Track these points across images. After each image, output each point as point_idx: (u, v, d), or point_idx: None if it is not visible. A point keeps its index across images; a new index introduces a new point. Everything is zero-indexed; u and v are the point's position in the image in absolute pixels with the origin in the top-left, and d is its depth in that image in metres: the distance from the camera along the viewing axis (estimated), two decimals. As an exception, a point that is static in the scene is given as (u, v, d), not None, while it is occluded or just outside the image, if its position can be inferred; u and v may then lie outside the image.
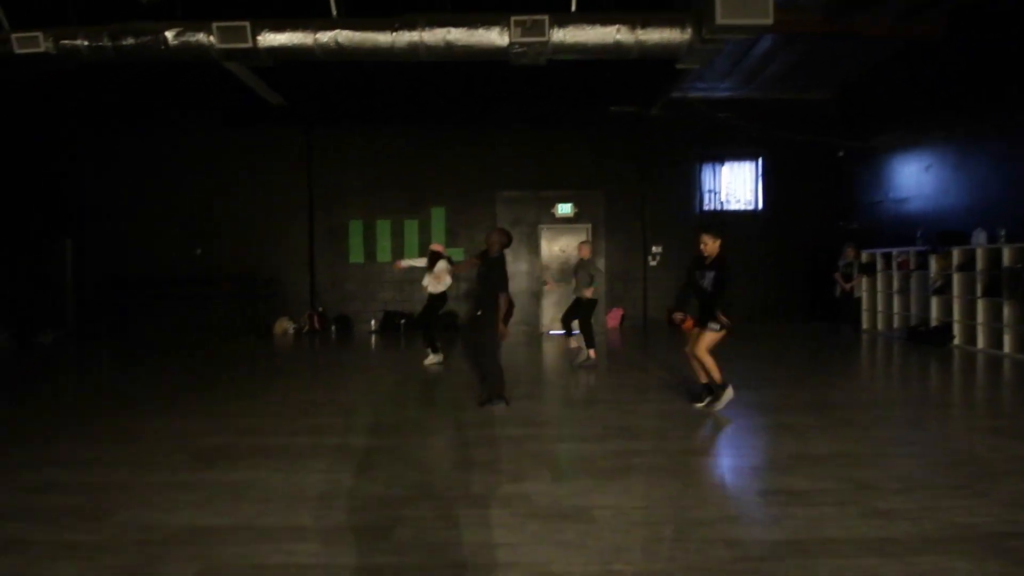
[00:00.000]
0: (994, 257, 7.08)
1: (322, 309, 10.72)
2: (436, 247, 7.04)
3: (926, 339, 7.85)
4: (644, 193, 10.79)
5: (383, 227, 10.88)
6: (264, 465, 3.20)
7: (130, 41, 5.72)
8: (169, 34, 5.68)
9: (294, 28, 5.76)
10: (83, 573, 2.06)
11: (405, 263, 7.36)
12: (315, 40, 5.79)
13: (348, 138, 10.85)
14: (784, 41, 8.74)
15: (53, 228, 10.25)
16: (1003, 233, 6.94)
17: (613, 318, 10.59)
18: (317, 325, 10.42)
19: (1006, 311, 6.88)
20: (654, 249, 10.89)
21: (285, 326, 10.40)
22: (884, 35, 7.88)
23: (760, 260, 10.70)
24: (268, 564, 2.12)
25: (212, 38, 5.68)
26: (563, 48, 5.72)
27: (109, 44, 5.72)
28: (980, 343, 7.27)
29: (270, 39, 5.82)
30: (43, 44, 5.68)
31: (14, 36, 5.67)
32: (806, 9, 7.60)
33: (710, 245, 4.37)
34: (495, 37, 5.64)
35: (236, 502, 2.67)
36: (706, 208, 10.95)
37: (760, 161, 10.88)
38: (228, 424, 4.10)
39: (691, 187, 10.91)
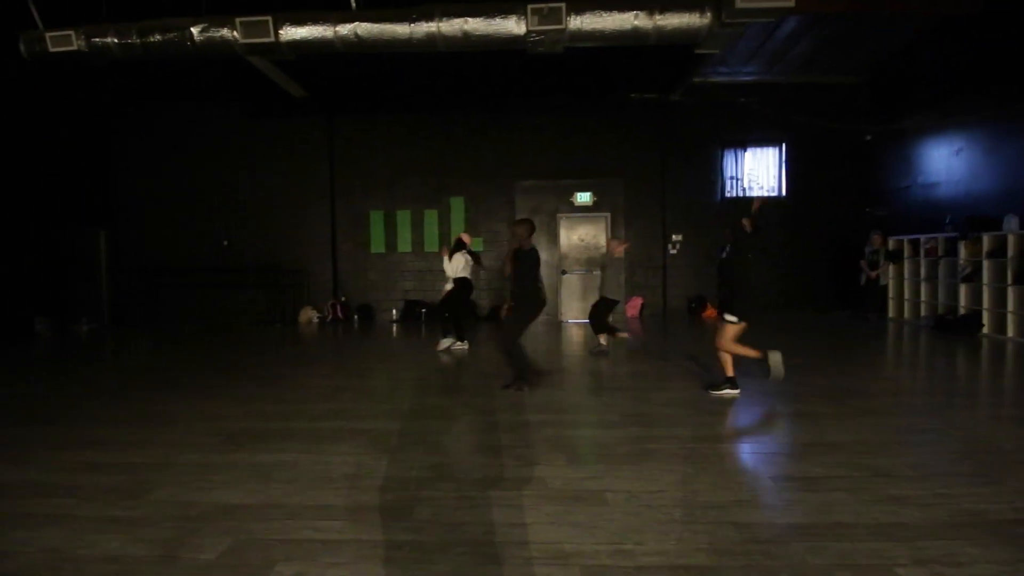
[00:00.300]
0: (1027, 244, 6.87)
1: (345, 298, 10.95)
2: (464, 237, 7.20)
3: (954, 328, 7.67)
4: (665, 180, 10.69)
5: (403, 217, 11.01)
6: (291, 448, 3.35)
7: (157, 38, 5.89)
8: (195, 30, 5.83)
9: (314, 21, 5.84)
10: (124, 546, 2.22)
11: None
12: (335, 33, 5.87)
13: (368, 128, 10.98)
14: (810, 22, 8.51)
15: (88, 221, 10.63)
16: (1036, 219, 6.72)
17: (633, 307, 10.57)
18: (340, 314, 10.64)
19: (1039, 299, 6.69)
20: (674, 237, 10.81)
21: (309, 315, 10.65)
22: (919, 10, 7.59)
23: (783, 247, 10.54)
24: (296, 539, 2.24)
25: (236, 33, 5.81)
26: (580, 35, 5.69)
27: (138, 41, 5.90)
28: (1010, 331, 7.08)
29: (291, 33, 5.92)
30: (75, 42, 5.89)
31: (48, 35, 5.89)
32: (830, -11, 7.39)
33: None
34: (512, 26, 5.65)
35: (265, 482, 2.82)
36: (728, 195, 10.80)
37: (783, 147, 10.66)
38: (257, 409, 4.28)
39: (713, 173, 10.76)
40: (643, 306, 10.65)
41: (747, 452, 3.18)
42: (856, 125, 9.90)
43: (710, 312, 10.25)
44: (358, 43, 5.93)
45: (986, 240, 7.43)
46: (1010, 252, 7.05)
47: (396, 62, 9.05)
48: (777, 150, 10.69)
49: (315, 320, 10.58)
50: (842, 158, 10.40)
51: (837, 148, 10.35)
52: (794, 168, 10.64)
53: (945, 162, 8.58)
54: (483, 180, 10.84)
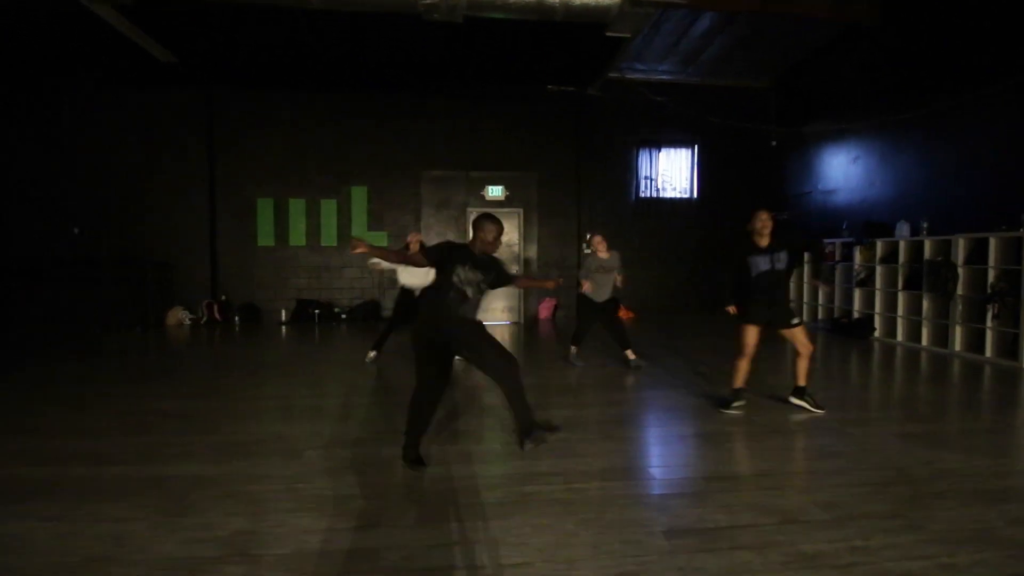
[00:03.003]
0: (916, 250, 7.08)
1: (225, 297, 9.62)
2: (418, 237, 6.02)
3: (848, 331, 7.83)
4: (580, 177, 10.32)
5: (296, 207, 9.86)
6: (42, 509, 2.41)
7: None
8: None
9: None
10: None
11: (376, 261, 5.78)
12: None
13: (257, 106, 9.70)
14: (723, 22, 8.43)
15: None
16: (925, 226, 6.93)
17: (545, 309, 10.13)
18: (217, 315, 9.32)
19: (925, 304, 6.90)
20: (589, 236, 10.45)
21: (179, 316, 9.24)
22: (823, 16, 7.67)
23: (695, 249, 10.53)
24: None
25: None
26: (480, 4, 5.05)
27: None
28: (899, 336, 7.30)
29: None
30: None
31: None
32: (743, -14, 7.27)
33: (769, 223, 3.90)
34: (400, -14, 4.88)
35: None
36: (642, 195, 10.63)
37: (696, 148, 10.65)
38: (33, 446, 3.23)
39: (628, 173, 10.55)
40: (556, 308, 10.23)
41: (641, 494, 2.65)
42: (765, 129, 10.04)
43: (623, 313, 10.02)
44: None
45: (880, 246, 7.63)
46: (901, 258, 7.25)
47: (287, 32, 7.95)
48: (690, 151, 10.66)
49: (186, 322, 9.19)
50: (751, 162, 10.54)
51: (747, 152, 10.48)
52: (705, 170, 10.66)
53: (844, 169, 8.82)
54: (388, 169, 9.93)
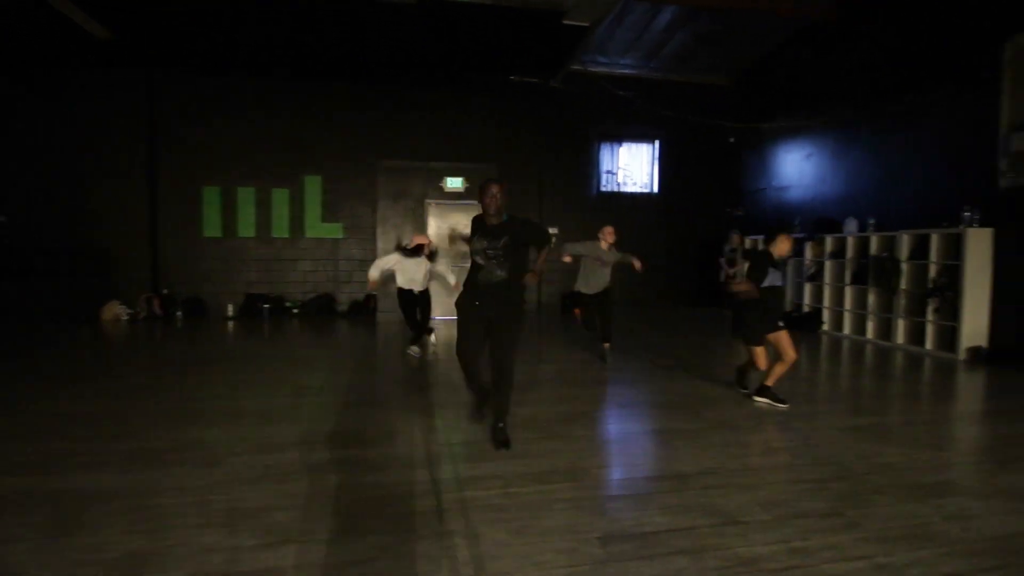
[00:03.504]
0: (863, 246, 7.26)
1: (167, 291, 9.10)
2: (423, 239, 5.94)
3: (798, 324, 7.99)
4: (542, 170, 10.20)
5: (245, 196, 9.40)
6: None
7: None
8: None
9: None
10: None
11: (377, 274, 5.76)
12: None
13: (203, 89, 9.18)
14: (684, 17, 8.43)
15: None
16: (872, 222, 7.10)
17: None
18: (159, 310, 8.80)
19: (870, 298, 7.08)
20: (551, 230, 10.36)
21: (116, 311, 8.69)
22: (784, 12, 7.74)
23: (656, 244, 10.58)
24: None
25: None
26: (428, -15, 4.81)
27: None
28: (846, 329, 7.48)
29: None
30: None
31: None
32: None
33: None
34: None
35: None
36: (604, 189, 10.59)
37: (657, 143, 10.68)
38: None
39: (589, 166, 10.49)
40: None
41: (580, 496, 2.53)
42: (724, 125, 10.13)
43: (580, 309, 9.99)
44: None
45: (829, 241, 7.80)
46: (849, 253, 7.42)
47: (234, 12, 7.50)
48: (651, 146, 10.68)
49: (124, 318, 8.65)
50: (710, 158, 10.64)
51: (707, 148, 10.57)
52: (666, 165, 10.71)
53: (797, 166, 8.98)
54: (344, 157, 9.57)
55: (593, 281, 5.51)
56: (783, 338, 3.95)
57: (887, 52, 7.17)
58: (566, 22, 5.49)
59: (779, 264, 3.98)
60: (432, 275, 5.85)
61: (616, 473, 2.77)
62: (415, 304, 5.81)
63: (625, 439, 3.40)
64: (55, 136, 8.74)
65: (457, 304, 3.30)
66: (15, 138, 8.62)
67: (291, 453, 3.02)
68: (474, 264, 3.22)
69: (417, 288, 5.75)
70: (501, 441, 3.11)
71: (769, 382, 4.01)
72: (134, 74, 8.92)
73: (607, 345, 5.59)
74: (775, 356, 4.02)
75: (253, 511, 2.36)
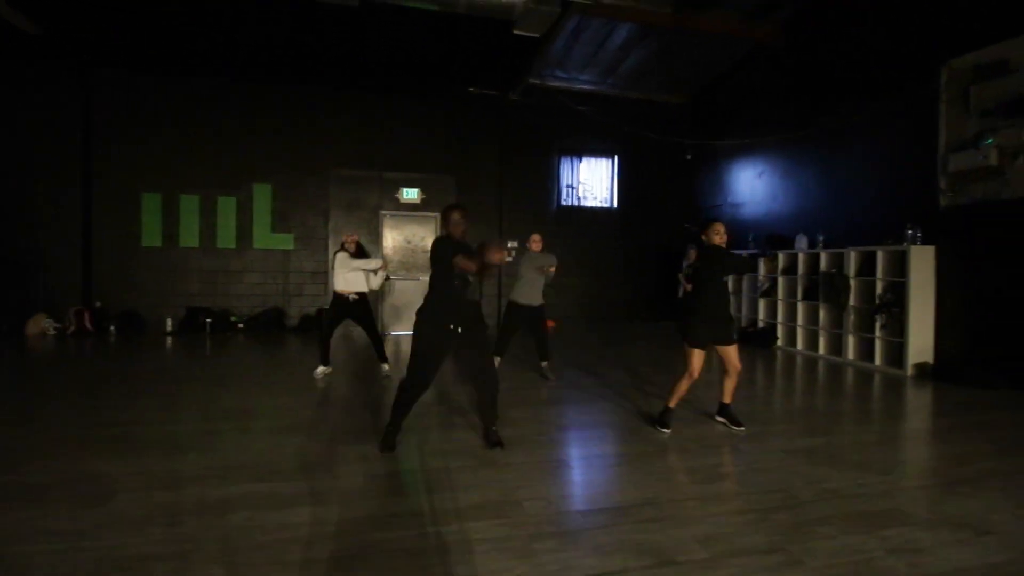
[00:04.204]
0: (813, 262, 7.35)
1: (100, 304, 8.50)
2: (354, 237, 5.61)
3: (753, 340, 8.02)
4: (502, 183, 10.07)
5: (189, 204, 8.92)
6: None
7: None
8: None
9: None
10: None
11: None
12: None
13: (142, 90, 8.71)
14: (639, 35, 8.49)
15: None
16: (821, 239, 7.20)
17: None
18: (89, 324, 8.19)
19: (821, 314, 7.15)
20: (511, 243, 10.22)
21: (43, 325, 8.05)
22: (732, 32, 7.90)
23: (615, 258, 10.57)
24: None
25: None
26: (373, -13, 4.62)
27: None
28: (799, 345, 7.53)
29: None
30: None
31: None
32: (655, 0, 7.31)
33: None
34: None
35: None
36: (564, 203, 10.53)
37: (616, 159, 10.71)
38: None
39: (550, 180, 10.42)
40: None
41: (505, 536, 2.31)
42: (680, 142, 10.24)
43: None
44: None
45: (781, 258, 7.88)
46: (800, 269, 7.50)
47: (174, 8, 7.14)
48: (610, 161, 10.71)
49: (51, 332, 8.02)
50: (667, 174, 10.73)
51: (664, 164, 10.65)
52: (625, 180, 10.74)
53: (750, 183, 9.11)
54: (295, 165, 9.22)
55: (532, 291, 5.34)
56: (733, 351, 3.79)
57: (831, 73, 7.35)
58: (516, 32, 5.38)
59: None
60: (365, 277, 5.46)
61: (549, 506, 2.56)
62: (345, 312, 5.40)
63: (565, 466, 3.20)
64: (-24, 136, 8.12)
65: (430, 333, 3.20)
66: (-70, 137, 7.97)
67: (191, 488, 2.70)
68: (450, 287, 3.19)
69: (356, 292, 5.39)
70: (496, 442, 3.33)
71: (727, 399, 3.87)
72: (67, 71, 8.39)
73: (546, 364, 5.43)
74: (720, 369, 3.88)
75: (128, 560, 2.05)
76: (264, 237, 9.16)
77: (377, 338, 5.55)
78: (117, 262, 8.66)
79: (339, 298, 5.35)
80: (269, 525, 2.34)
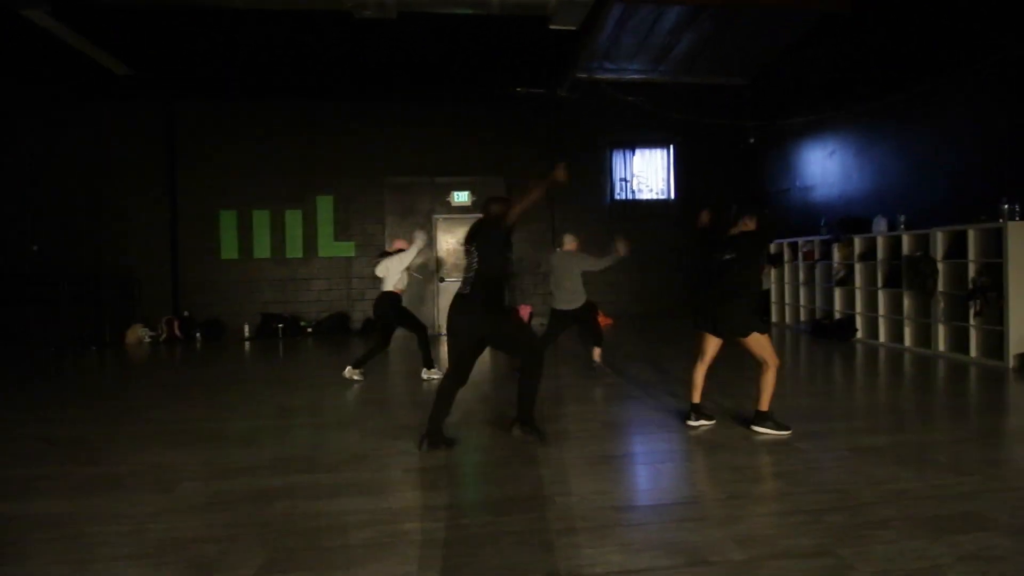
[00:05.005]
0: (894, 245, 6.72)
1: (187, 313, 9.32)
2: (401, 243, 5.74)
3: (830, 333, 7.45)
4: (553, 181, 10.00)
5: (260, 218, 9.59)
6: None
7: None
8: None
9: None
10: None
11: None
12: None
13: (219, 116, 9.48)
14: (689, 17, 8.14)
15: None
16: (902, 220, 6.57)
17: (521, 314, 9.78)
18: (178, 332, 9.00)
19: (906, 303, 6.52)
20: (419, 236, 10.12)
21: (139, 334, 8.93)
22: (792, 4, 7.38)
23: (673, 251, 10.19)
24: None
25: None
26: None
27: None
28: (882, 337, 6.91)
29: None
30: None
31: None
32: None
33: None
34: (322, -21, 4.60)
35: None
36: (618, 197, 10.31)
37: (672, 148, 10.34)
38: None
39: (602, 175, 10.24)
40: (531, 315, 9.87)
41: (534, 529, 2.28)
42: (741, 125, 9.72)
43: (600, 319, 9.68)
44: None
45: (857, 243, 7.27)
46: (879, 255, 6.89)
47: (246, 37, 7.71)
48: (665, 152, 10.35)
49: (146, 340, 8.89)
50: (729, 160, 10.22)
51: (724, 151, 10.16)
52: (682, 170, 10.34)
53: (820, 164, 8.49)
54: (354, 176, 9.66)
55: (570, 296, 5.16)
56: (767, 340, 3.42)
57: (907, 38, 6.69)
58: (553, 27, 5.32)
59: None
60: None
61: (582, 502, 2.51)
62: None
63: (605, 462, 3.11)
64: (80, 166, 9.15)
65: (461, 327, 3.19)
66: (43, 170, 9.06)
67: (248, 478, 2.89)
68: (502, 275, 3.23)
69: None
70: (531, 435, 3.29)
71: (764, 406, 3.40)
72: (153, 104, 9.29)
73: (598, 351, 5.35)
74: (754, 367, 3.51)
75: (184, 542, 2.22)
76: (328, 246, 9.66)
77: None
78: (200, 274, 9.46)
79: (397, 296, 5.42)
80: (309, 513, 2.45)
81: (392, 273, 5.32)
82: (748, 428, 3.45)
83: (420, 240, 5.31)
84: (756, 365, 3.45)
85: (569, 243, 5.41)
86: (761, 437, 3.36)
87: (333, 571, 1.97)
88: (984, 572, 1.88)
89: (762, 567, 1.92)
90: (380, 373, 5.83)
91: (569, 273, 5.20)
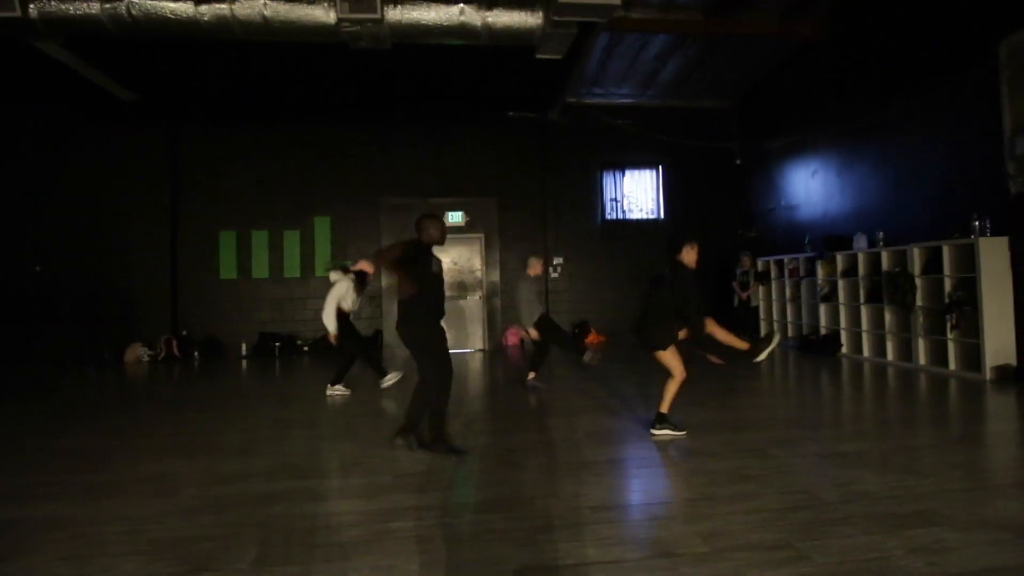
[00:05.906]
0: (874, 262, 6.93)
1: (185, 332, 9.45)
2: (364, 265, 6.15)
3: (816, 348, 7.62)
4: (545, 201, 10.28)
5: (259, 239, 9.79)
6: None
7: None
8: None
9: (72, -6, 4.77)
10: None
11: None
12: (102, 9, 4.82)
13: (219, 138, 9.75)
14: (674, 44, 8.50)
15: None
16: (881, 237, 6.80)
17: (514, 335, 9.92)
18: (176, 351, 9.12)
19: (887, 317, 6.71)
20: (556, 260, 10.37)
21: (138, 353, 9.05)
22: (772, 32, 7.74)
23: (664, 270, 10.37)
24: None
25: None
26: (403, 29, 5.04)
27: None
28: (866, 351, 7.08)
29: (47, 7, 4.81)
30: None
31: None
32: (684, 8, 7.34)
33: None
34: (320, 13, 4.88)
35: None
36: (608, 217, 10.56)
37: (661, 169, 10.63)
38: None
39: (593, 195, 10.50)
40: (521, 340, 10.02)
41: (513, 527, 2.41)
42: (727, 147, 10.02)
43: (593, 338, 9.83)
44: (133, 24, 4.90)
45: (840, 259, 7.49)
46: (861, 271, 7.09)
47: (247, 64, 8.03)
48: (654, 172, 10.64)
49: (145, 359, 9.00)
50: (716, 181, 10.50)
51: (712, 172, 10.45)
52: (671, 191, 10.62)
53: (804, 184, 8.76)
54: (350, 198, 9.90)
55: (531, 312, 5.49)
56: (675, 355, 3.75)
57: (881, 62, 7.01)
58: (539, 56, 5.60)
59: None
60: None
61: (561, 503, 2.64)
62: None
63: (585, 468, 3.24)
64: (83, 188, 9.37)
65: (435, 337, 3.52)
66: (47, 192, 9.29)
67: (244, 484, 3.02)
68: (439, 290, 3.65)
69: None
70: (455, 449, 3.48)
71: (664, 409, 3.73)
72: (156, 129, 9.56)
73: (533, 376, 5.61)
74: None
75: (181, 540, 2.35)
76: (325, 266, 9.83)
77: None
78: (199, 294, 9.62)
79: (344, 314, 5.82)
80: (302, 515, 2.58)
81: (327, 307, 5.73)
82: (648, 431, 3.76)
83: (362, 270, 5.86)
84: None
85: (533, 267, 5.66)
86: (738, 443, 3.50)
87: (323, 565, 2.10)
88: (932, 563, 2.02)
89: (724, 558, 2.06)
90: (372, 387, 5.96)
91: (519, 294, 5.56)
